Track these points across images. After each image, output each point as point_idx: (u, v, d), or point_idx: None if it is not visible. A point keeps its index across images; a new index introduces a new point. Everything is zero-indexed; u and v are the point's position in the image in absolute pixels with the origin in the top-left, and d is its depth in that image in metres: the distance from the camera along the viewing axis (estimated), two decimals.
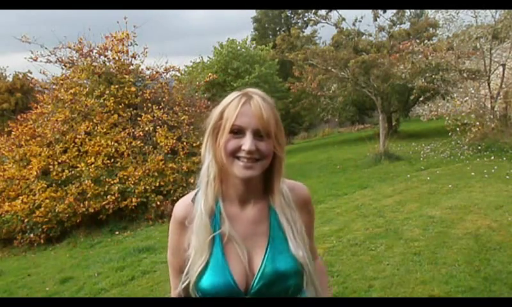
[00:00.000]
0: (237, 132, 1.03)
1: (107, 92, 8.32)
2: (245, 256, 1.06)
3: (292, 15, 29.60)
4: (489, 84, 10.89)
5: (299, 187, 1.19)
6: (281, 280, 1.07)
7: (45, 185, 7.32)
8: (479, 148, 9.88)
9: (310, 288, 1.12)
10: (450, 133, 10.87)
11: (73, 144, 7.84)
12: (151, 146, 8.09)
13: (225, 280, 1.04)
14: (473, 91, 11.01)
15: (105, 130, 7.95)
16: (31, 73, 21.28)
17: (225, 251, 1.07)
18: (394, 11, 16.00)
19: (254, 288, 1.05)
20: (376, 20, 14.91)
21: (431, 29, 14.98)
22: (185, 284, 1.10)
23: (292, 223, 1.10)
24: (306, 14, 17.78)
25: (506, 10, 10.17)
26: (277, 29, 31.69)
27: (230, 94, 1.09)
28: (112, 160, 7.76)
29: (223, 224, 1.08)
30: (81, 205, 7.11)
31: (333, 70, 12.22)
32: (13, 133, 8.46)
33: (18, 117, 9.06)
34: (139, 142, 7.99)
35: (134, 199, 7.32)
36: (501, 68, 10.92)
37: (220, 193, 1.11)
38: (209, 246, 1.07)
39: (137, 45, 9.17)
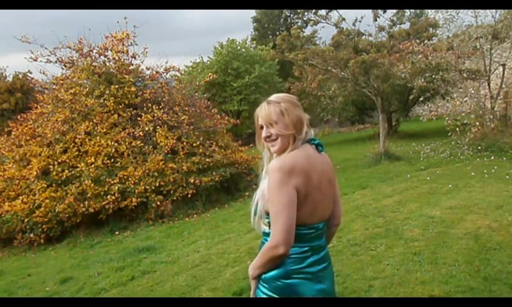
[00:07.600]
0: (261, 127, 1.64)
1: (107, 92, 8.33)
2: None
3: (292, 15, 29.63)
4: (489, 84, 10.88)
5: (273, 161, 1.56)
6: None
7: (45, 185, 7.32)
8: (479, 148, 9.87)
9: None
10: (450, 134, 10.86)
11: (73, 144, 7.84)
12: (151, 146, 8.10)
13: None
14: (473, 91, 11.00)
15: (105, 130, 7.96)
16: (31, 73, 21.34)
17: None
18: (394, 11, 16.04)
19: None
20: (376, 20, 14.92)
21: (431, 29, 14.98)
22: None
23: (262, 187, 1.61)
24: (306, 14, 17.75)
25: (506, 10, 10.17)
26: (277, 29, 31.68)
27: None
28: (112, 160, 7.76)
29: None
30: (81, 205, 7.11)
31: (333, 70, 12.20)
32: (13, 133, 8.47)
33: (18, 117, 9.07)
34: (139, 142, 8.00)
35: (134, 199, 7.32)
36: (501, 68, 10.91)
37: None
38: None
39: (137, 45, 9.20)
